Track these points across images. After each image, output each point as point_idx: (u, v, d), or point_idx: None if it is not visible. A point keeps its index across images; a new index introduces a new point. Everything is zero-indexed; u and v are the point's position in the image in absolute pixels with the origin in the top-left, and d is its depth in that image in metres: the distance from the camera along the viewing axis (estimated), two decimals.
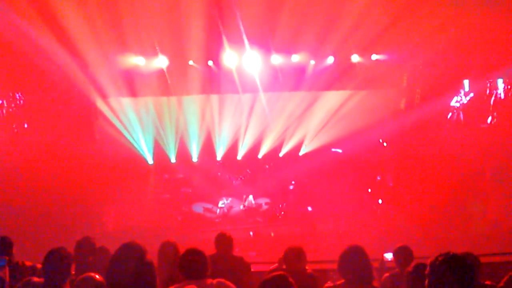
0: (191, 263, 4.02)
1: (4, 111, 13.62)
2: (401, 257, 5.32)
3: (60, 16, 11.27)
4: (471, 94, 14.83)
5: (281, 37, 12.98)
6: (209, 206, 15.55)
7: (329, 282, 4.32)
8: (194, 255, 4.07)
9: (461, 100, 14.98)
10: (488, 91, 14.67)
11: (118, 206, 14.91)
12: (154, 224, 13.96)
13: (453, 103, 15.05)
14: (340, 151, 16.50)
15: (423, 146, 14.44)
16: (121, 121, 14.64)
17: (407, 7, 11.69)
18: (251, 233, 13.59)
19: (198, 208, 15.61)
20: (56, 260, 4.11)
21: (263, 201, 15.80)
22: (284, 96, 15.43)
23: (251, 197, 15.66)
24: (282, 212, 15.35)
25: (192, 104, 15.24)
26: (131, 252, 3.02)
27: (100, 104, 14.28)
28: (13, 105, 13.65)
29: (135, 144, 15.12)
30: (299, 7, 12.07)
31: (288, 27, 12.55)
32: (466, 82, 14.81)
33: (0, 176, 12.53)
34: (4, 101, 13.62)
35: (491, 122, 14.63)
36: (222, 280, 4.01)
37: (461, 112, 14.94)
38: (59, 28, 11.40)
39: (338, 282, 4.17)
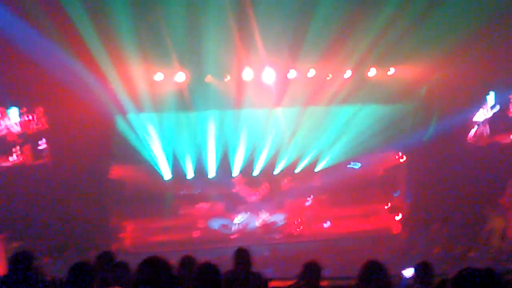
0: (204, 279, 3.78)
1: (34, 126, 13.78)
2: (422, 273, 5.24)
3: (81, 31, 11.53)
4: (497, 108, 14.64)
5: (298, 52, 13.05)
6: (225, 222, 15.51)
7: None
8: (206, 268, 3.84)
9: (486, 113, 14.77)
10: None
11: (135, 222, 14.97)
12: (170, 240, 13.97)
13: (477, 117, 14.87)
14: (356, 167, 16.40)
15: (443, 161, 14.25)
16: (139, 137, 14.75)
17: (427, 20, 11.69)
18: (266, 253, 13.52)
19: (214, 224, 15.58)
20: (81, 274, 4.15)
21: (279, 217, 15.70)
22: (301, 111, 15.39)
23: (265, 213, 15.56)
24: (298, 229, 15.24)
25: (209, 120, 15.31)
26: (157, 267, 3.00)
27: (119, 119, 14.42)
28: (43, 120, 13.80)
29: (152, 160, 15.20)
30: (316, 22, 12.14)
31: (305, 42, 12.63)
32: (491, 95, 14.64)
33: (22, 191, 12.70)
34: (34, 116, 13.77)
35: None
36: None
37: (487, 126, 14.73)
38: (79, 43, 11.65)
39: None
